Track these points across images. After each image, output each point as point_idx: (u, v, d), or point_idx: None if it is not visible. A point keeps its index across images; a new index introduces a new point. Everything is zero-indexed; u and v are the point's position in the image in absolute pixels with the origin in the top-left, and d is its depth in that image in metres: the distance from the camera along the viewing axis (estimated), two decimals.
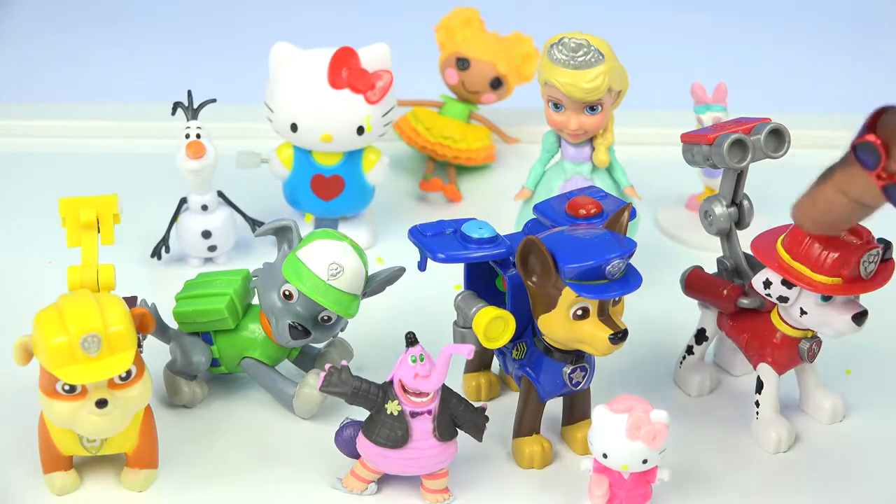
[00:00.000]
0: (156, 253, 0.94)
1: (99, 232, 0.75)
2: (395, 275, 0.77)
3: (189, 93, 0.91)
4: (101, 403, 0.65)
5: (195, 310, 0.78)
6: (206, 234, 0.93)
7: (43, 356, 0.64)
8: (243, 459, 0.75)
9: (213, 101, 0.92)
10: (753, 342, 0.77)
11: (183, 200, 0.93)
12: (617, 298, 0.69)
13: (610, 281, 0.67)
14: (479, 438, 0.71)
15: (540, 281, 0.68)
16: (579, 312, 0.68)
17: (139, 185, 1.02)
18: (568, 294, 0.68)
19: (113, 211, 0.76)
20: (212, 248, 0.93)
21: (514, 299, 0.73)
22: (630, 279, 0.68)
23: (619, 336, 0.68)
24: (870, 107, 0.87)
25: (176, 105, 0.91)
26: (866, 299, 0.72)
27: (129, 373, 0.66)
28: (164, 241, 0.94)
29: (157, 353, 0.79)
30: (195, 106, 0.91)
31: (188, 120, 0.91)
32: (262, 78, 0.94)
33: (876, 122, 0.48)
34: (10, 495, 0.71)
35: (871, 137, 0.48)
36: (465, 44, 1.06)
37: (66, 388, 0.65)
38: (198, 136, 0.90)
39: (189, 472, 0.73)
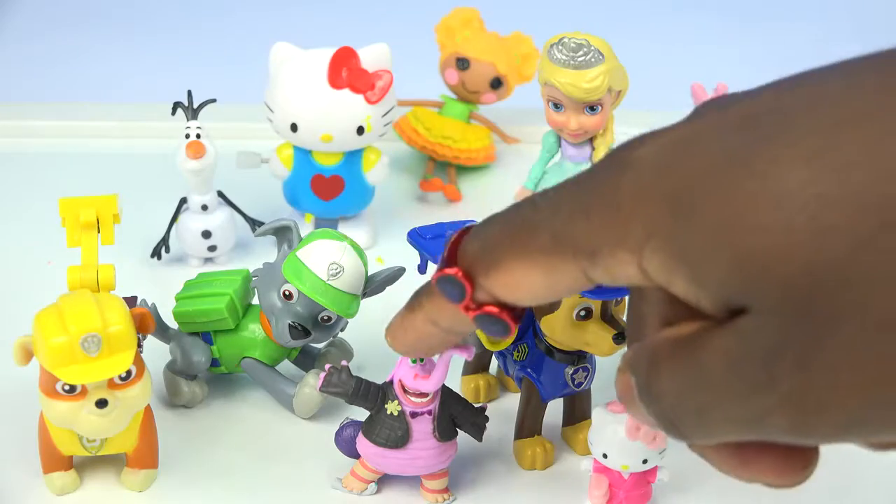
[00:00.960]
0: (156, 253, 0.94)
1: (99, 232, 0.75)
2: (395, 275, 0.77)
3: (189, 93, 0.91)
4: (101, 403, 0.65)
5: (195, 310, 0.78)
6: (207, 234, 0.93)
7: (42, 356, 0.64)
8: (243, 459, 0.75)
9: (213, 101, 0.92)
10: None
11: (183, 200, 0.93)
12: (619, 299, 0.69)
13: None
14: (479, 438, 0.71)
15: None
16: (582, 313, 0.68)
17: (139, 185, 1.02)
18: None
19: (113, 211, 0.76)
20: (212, 248, 0.93)
21: None
22: None
23: (623, 336, 0.68)
24: None
25: (176, 105, 0.91)
26: None
27: (128, 373, 0.66)
28: (164, 242, 0.94)
29: (158, 353, 0.79)
30: (195, 106, 0.91)
31: (188, 120, 0.91)
32: (262, 78, 0.94)
33: (456, 249, 0.43)
34: (10, 495, 0.71)
35: (451, 270, 0.42)
36: (465, 44, 1.06)
37: (66, 388, 0.65)
38: (198, 136, 0.90)
39: (189, 471, 0.74)
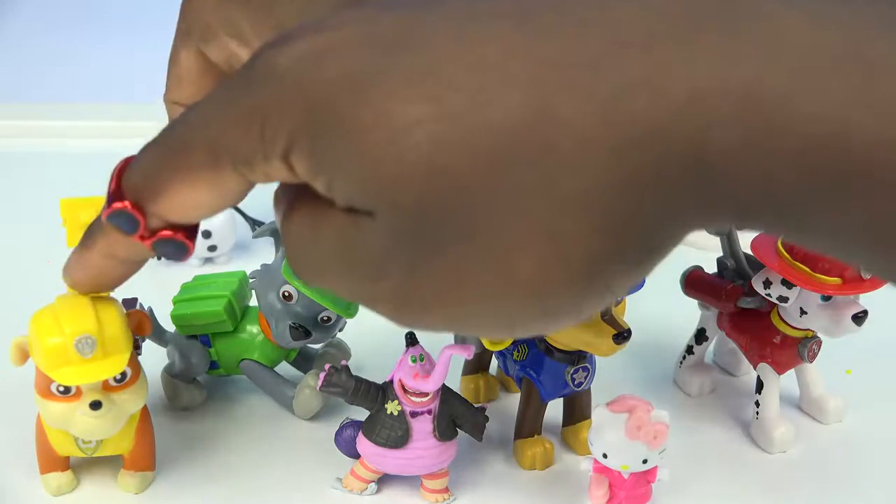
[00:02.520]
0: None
1: None
2: None
3: None
4: (96, 405, 0.65)
5: (193, 312, 0.78)
6: (206, 234, 0.93)
7: (38, 357, 0.64)
8: (242, 460, 0.75)
9: None
10: (753, 342, 0.77)
11: None
12: (620, 298, 0.69)
13: None
14: (479, 438, 0.71)
15: None
16: None
17: None
18: None
19: None
20: (212, 248, 0.93)
21: None
22: None
23: (623, 336, 0.68)
24: None
25: None
26: (866, 299, 0.72)
27: (124, 375, 0.66)
28: None
29: (157, 356, 0.79)
30: None
31: None
32: None
33: (120, 181, 0.45)
34: (7, 495, 0.71)
35: (120, 204, 0.44)
36: None
37: (61, 389, 0.65)
38: None
39: (188, 473, 0.73)
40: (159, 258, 0.52)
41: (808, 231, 0.33)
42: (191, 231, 0.46)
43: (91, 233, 0.50)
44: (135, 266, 0.51)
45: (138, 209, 0.44)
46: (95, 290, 0.59)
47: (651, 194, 0.33)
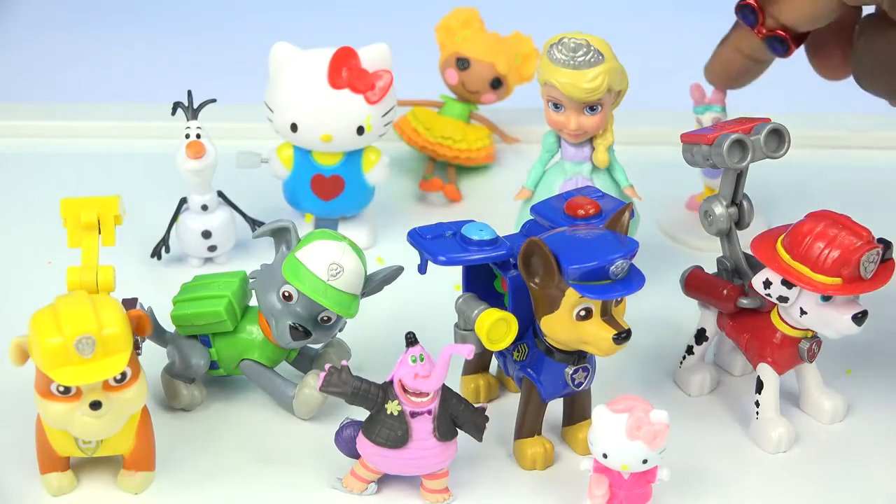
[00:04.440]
0: (156, 253, 0.94)
1: (100, 233, 0.75)
2: (393, 274, 0.77)
3: (189, 93, 0.91)
4: (95, 405, 0.65)
5: (193, 312, 0.78)
6: (207, 234, 0.93)
7: (37, 357, 0.64)
8: (242, 460, 0.75)
9: (213, 101, 0.92)
10: (753, 342, 0.77)
11: (183, 200, 0.93)
12: (619, 298, 0.69)
13: (613, 281, 0.67)
14: (479, 438, 0.71)
15: (543, 282, 0.68)
16: (582, 313, 0.68)
17: (139, 185, 1.02)
18: (571, 295, 0.67)
19: (114, 212, 0.75)
20: (212, 248, 0.93)
21: (515, 301, 0.73)
22: (633, 279, 0.68)
23: (623, 336, 0.68)
24: (869, 106, 0.87)
25: (176, 105, 0.91)
26: (866, 299, 0.72)
27: (123, 375, 0.66)
28: (164, 242, 0.94)
29: (157, 356, 0.79)
30: (195, 106, 0.91)
31: (188, 120, 0.91)
32: (261, 78, 0.94)
33: None
34: (7, 495, 0.71)
35: (746, 1, 0.63)
36: (464, 44, 1.06)
37: (61, 389, 0.65)
38: (198, 136, 0.90)
39: (188, 474, 0.73)
40: (768, 52, 0.72)
41: None
42: (796, 38, 0.64)
43: (728, 32, 0.68)
44: (753, 67, 0.68)
45: (760, 8, 0.63)
46: (724, 84, 0.76)
47: None
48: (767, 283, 0.73)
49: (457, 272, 0.76)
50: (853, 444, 0.78)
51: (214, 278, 0.80)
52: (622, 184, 0.89)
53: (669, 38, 1.43)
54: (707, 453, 0.76)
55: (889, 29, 0.63)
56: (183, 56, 1.37)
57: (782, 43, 0.65)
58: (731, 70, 0.70)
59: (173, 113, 0.91)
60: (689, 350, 0.82)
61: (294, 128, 0.91)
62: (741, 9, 0.63)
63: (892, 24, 0.63)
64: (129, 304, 0.75)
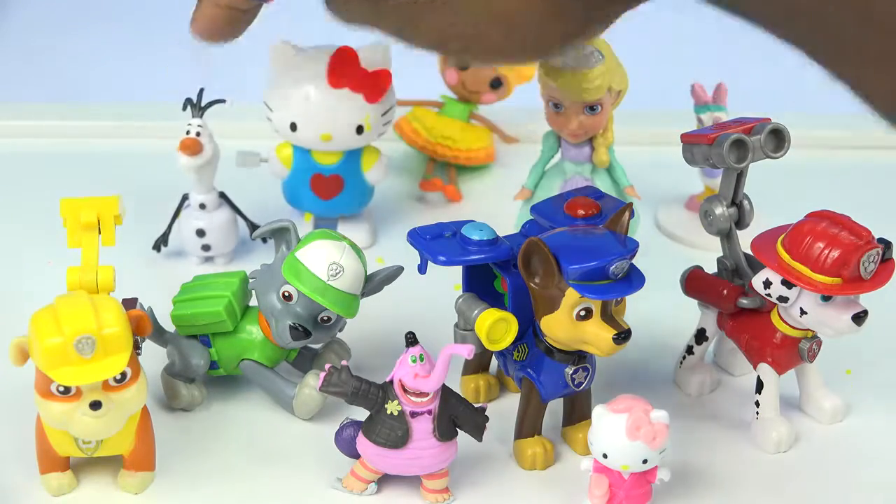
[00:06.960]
0: (157, 246, 0.94)
1: (100, 233, 0.75)
2: (393, 274, 0.77)
3: (200, 90, 0.91)
4: (95, 405, 0.65)
5: (193, 312, 0.78)
6: (200, 233, 0.92)
7: (37, 357, 0.64)
8: (242, 461, 0.75)
9: (223, 101, 0.92)
10: (753, 342, 0.77)
11: (185, 197, 0.94)
12: (619, 298, 0.69)
13: (613, 281, 0.67)
14: (480, 438, 0.71)
15: (543, 282, 0.68)
16: (582, 313, 0.68)
17: (139, 185, 1.02)
18: (571, 295, 0.68)
19: (114, 212, 0.75)
20: (205, 248, 0.93)
21: (515, 301, 0.73)
22: (633, 279, 0.68)
23: (623, 336, 0.68)
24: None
25: (187, 101, 0.91)
26: (866, 299, 0.72)
27: (123, 375, 0.66)
28: (165, 235, 0.94)
29: (157, 356, 0.79)
30: (202, 104, 0.91)
31: (192, 117, 0.91)
32: (261, 78, 0.94)
33: None
34: (7, 495, 0.71)
35: None
36: None
37: (61, 389, 0.65)
38: (197, 133, 0.90)
39: (187, 474, 0.73)
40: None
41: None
42: None
43: None
44: (237, 15, 0.58)
45: None
46: (216, 38, 0.64)
47: None
48: (767, 283, 0.73)
49: (457, 272, 0.76)
50: (853, 444, 0.78)
51: (214, 278, 0.80)
52: (622, 184, 0.89)
53: (669, 38, 1.43)
54: (707, 453, 0.76)
55: None
56: (183, 56, 1.37)
57: None
58: (217, 23, 0.60)
59: (184, 109, 0.91)
60: (689, 350, 0.82)
61: (293, 127, 0.91)
62: None
63: None
64: (129, 304, 0.75)
